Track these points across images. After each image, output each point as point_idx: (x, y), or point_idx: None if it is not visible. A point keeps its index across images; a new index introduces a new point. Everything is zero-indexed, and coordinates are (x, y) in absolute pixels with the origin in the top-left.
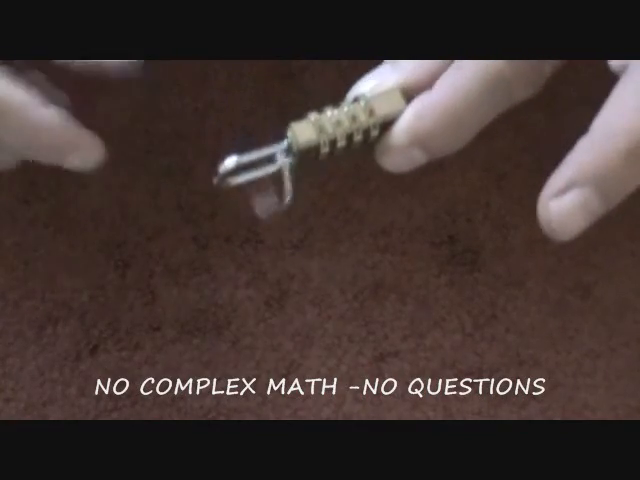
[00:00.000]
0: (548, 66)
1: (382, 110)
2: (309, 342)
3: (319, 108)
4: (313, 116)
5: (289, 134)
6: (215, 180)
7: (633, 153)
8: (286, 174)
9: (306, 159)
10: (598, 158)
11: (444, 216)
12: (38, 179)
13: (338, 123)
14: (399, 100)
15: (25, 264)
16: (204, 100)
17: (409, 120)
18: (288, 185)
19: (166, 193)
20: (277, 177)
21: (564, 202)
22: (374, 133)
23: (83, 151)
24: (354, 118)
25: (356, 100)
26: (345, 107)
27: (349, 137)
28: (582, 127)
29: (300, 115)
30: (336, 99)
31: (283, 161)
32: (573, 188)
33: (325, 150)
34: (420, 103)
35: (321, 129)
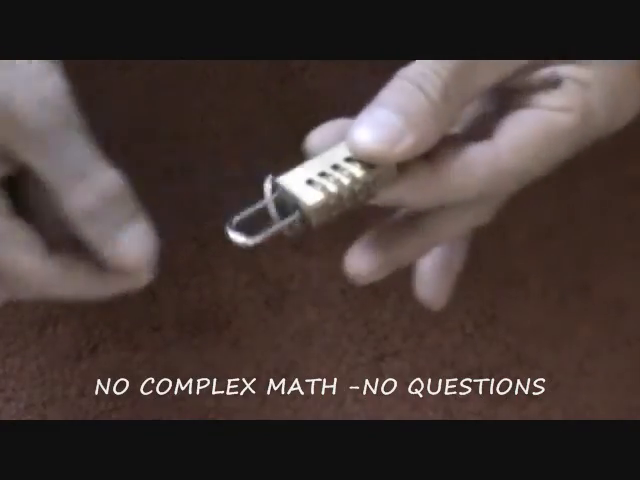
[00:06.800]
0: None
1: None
2: (309, 342)
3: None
4: (301, 171)
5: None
6: (234, 242)
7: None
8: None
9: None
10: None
11: None
12: None
13: (337, 181)
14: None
15: None
16: (204, 100)
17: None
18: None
19: (166, 193)
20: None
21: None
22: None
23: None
24: (352, 175)
25: (350, 160)
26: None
27: (352, 191)
28: None
29: (299, 115)
30: (336, 99)
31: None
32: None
33: (332, 202)
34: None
35: (323, 188)
